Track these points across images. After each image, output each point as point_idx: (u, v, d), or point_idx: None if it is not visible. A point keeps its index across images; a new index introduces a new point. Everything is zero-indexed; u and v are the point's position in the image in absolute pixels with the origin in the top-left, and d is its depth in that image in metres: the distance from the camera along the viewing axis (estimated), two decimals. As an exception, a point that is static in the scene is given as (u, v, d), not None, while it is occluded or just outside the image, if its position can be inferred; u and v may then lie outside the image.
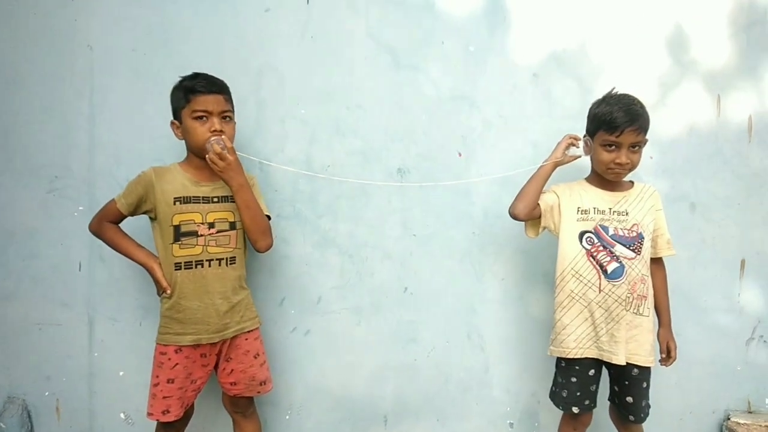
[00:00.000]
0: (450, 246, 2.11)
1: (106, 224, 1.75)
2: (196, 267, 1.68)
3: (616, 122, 1.63)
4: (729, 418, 2.09)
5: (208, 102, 1.66)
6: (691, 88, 2.07)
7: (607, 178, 1.74)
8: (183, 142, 1.75)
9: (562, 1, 2.06)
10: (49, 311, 2.07)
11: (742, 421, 2.06)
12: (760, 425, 2.04)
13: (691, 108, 2.07)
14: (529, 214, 1.76)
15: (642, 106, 1.67)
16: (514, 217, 1.76)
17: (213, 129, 1.65)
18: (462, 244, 2.11)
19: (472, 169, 2.09)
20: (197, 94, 1.66)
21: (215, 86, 1.70)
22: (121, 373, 2.09)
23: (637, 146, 1.67)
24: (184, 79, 1.71)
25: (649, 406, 1.76)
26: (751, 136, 2.08)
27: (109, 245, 1.78)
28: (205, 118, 1.66)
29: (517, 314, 2.12)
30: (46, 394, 2.10)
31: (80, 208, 2.05)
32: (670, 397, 2.10)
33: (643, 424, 1.77)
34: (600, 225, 1.72)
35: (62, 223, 2.05)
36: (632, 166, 1.69)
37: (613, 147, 1.66)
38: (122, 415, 2.11)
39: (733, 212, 2.09)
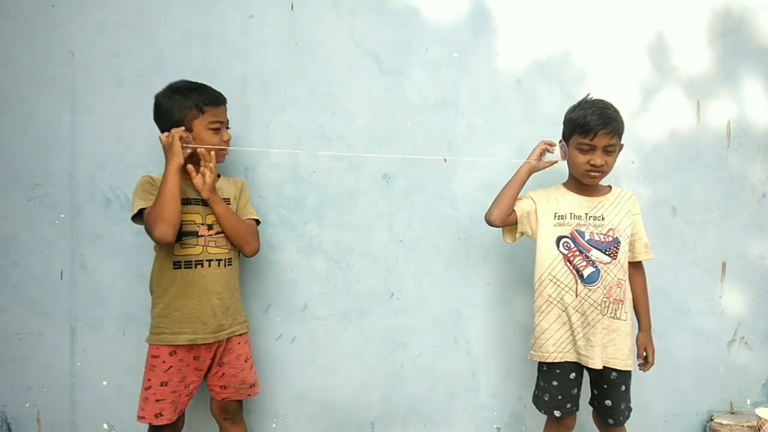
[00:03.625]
0: (436, 251, 2.11)
1: (152, 217, 1.60)
2: (195, 267, 1.69)
3: (590, 126, 1.65)
4: (712, 419, 2.12)
5: (221, 113, 1.75)
6: (671, 95, 2.11)
7: (583, 182, 1.75)
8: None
9: (545, 8, 2.09)
10: (30, 321, 2.04)
11: (725, 422, 2.09)
12: (743, 426, 2.07)
13: (671, 114, 2.11)
14: (504, 221, 1.77)
15: (616, 111, 1.70)
16: (489, 223, 1.77)
17: (226, 140, 1.76)
18: (448, 249, 2.11)
19: (457, 175, 2.10)
20: (212, 106, 1.72)
21: (223, 97, 1.78)
22: (104, 383, 2.06)
23: (611, 149, 1.69)
24: (188, 88, 1.70)
25: (629, 409, 1.77)
26: (729, 141, 2.12)
27: (173, 208, 1.59)
28: (218, 129, 1.74)
29: (503, 318, 2.13)
30: (27, 405, 2.06)
31: (62, 215, 2.02)
32: (654, 399, 2.12)
33: (627, 427, 1.78)
34: (576, 230, 1.73)
35: (43, 231, 2.02)
36: (607, 169, 1.70)
37: (588, 149, 1.68)
38: (105, 426, 2.07)
39: (713, 216, 2.13)
